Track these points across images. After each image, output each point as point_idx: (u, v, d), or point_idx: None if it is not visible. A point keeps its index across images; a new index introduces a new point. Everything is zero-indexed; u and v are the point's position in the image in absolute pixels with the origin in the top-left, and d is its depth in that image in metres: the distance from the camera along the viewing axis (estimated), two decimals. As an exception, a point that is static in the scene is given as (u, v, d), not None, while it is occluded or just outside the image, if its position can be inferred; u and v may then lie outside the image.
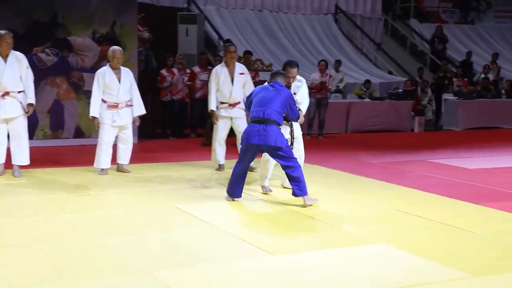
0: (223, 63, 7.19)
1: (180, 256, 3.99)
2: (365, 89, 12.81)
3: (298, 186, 5.32)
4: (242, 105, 7.23)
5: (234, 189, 5.51)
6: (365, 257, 4.05)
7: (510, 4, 18.16)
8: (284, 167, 5.36)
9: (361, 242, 4.37)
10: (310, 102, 10.96)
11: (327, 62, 11.44)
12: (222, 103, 7.17)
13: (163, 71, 10.72)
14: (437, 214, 5.22)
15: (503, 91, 14.05)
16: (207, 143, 9.66)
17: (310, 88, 11.01)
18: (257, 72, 10.50)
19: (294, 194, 5.38)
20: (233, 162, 7.47)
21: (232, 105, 7.13)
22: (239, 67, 7.22)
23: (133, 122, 6.99)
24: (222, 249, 4.18)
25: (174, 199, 5.68)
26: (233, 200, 5.51)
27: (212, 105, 7.08)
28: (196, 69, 10.86)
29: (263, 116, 5.28)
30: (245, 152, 5.45)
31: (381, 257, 4.05)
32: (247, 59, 9.88)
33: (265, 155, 5.83)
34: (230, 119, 7.18)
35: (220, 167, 7.31)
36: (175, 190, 6.10)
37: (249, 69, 7.46)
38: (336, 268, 3.81)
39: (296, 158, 5.40)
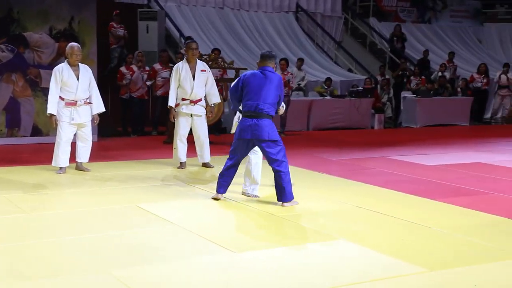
0: (184, 60, 7.16)
1: (140, 254, 3.94)
2: (326, 87, 12.93)
3: (284, 191, 5.26)
4: (203, 103, 7.21)
5: (219, 185, 5.40)
6: (324, 253, 4.08)
7: (464, 4, 18.62)
8: (274, 171, 5.23)
9: (320, 238, 4.40)
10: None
11: (288, 60, 11.48)
12: (183, 99, 7.13)
13: (123, 69, 10.62)
14: (395, 209, 5.30)
15: (458, 89, 14.39)
16: (169, 141, 9.59)
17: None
18: (225, 70, 10.48)
19: (280, 199, 5.27)
20: (195, 160, 7.51)
21: (194, 102, 7.11)
22: (201, 64, 7.21)
23: (92, 120, 6.88)
24: (183, 247, 4.15)
25: (134, 198, 5.62)
26: (218, 198, 5.42)
27: (171, 101, 7.05)
28: (157, 66, 10.76)
29: (255, 110, 5.14)
30: (237, 147, 5.30)
31: (340, 253, 4.09)
32: (215, 56, 9.88)
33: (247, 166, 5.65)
34: (191, 116, 7.15)
35: (182, 165, 7.27)
36: (135, 189, 6.04)
37: (212, 67, 7.44)
38: (295, 264, 3.82)
39: (286, 160, 5.26)
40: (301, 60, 13.02)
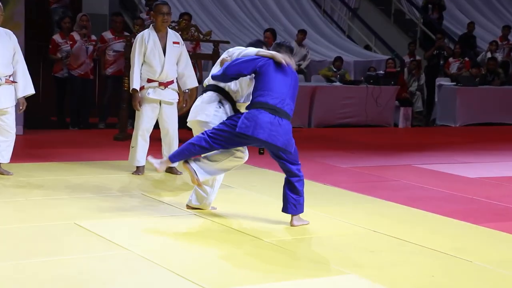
0: (151, 28, 7.14)
1: (79, 290, 3.94)
2: (335, 69, 13.00)
3: (296, 202, 5.37)
4: (175, 86, 7.20)
5: (178, 153, 5.47)
6: (329, 292, 4.10)
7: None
8: (288, 174, 5.39)
9: (324, 273, 4.42)
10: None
11: (275, 32, 11.48)
12: (149, 81, 7.12)
13: (56, 37, 10.57)
14: (424, 236, 5.34)
15: (514, 76, 14.51)
16: (121, 136, 9.60)
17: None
18: (198, 44, 10.49)
19: (286, 210, 5.40)
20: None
21: (164, 85, 7.10)
22: (173, 35, 7.22)
23: (17, 105, 6.86)
24: (138, 280, 4.15)
25: (72, 212, 5.60)
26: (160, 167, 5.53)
27: (135, 83, 7.01)
28: (108, 35, 10.77)
29: (280, 107, 5.25)
30: (233, 140, 5.28)
31: (350, 293, 4.11)
32: (186, 23, 9.86)
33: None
34: (159, 104, 7.14)
35: (139, 170, 7.28)
36: (74, 200, 6.03)
37: (182, 39, 7.46)
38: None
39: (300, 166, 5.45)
40: (302, 33, 13.08)
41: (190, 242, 5.01)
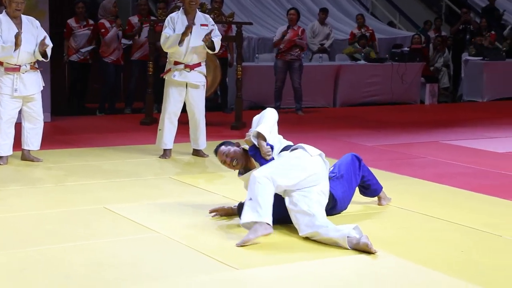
0: (181, 11, 7.18)
1: (113, 272, 3.98)
2: (360, 47, 12.90)
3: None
4: (203, 68, 7.21)
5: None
6: (357, 270, 4.11)
7: None
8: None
9: (352, 251, 4.43)
10: (277, 66, 11.17)
11: (298, 12, 11.44)
12: (176, 63, 7.14)
13: (71, 21, 10.55)
14: (452, 212, 5.32)
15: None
16: (147, 121, 9.66)
17: (277, 47, 11.11)
18: (230, 27, 10.47)
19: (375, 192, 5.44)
20: (185, 147, 7.54)
21: (190, 67, 7.12)
22: (202, 17, 7.22)
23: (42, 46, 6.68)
24: (168, 262, 4.19)
25: (101, 197, 5.66)
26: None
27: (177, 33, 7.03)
28: (134, 19, 10.78)
29: None
30: None
31: (378, 270, 4.12)
32: (218, 5, 9.92)
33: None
34: (186, 87, 7.16)
35: (166, 154, 7.31)
36: (103, 185, 6.09)
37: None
38: (316, 284, 3.86)
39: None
40: (324, 12, 13.00)
41: (218, 224, 5.04)
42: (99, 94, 10.86)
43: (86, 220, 5.03)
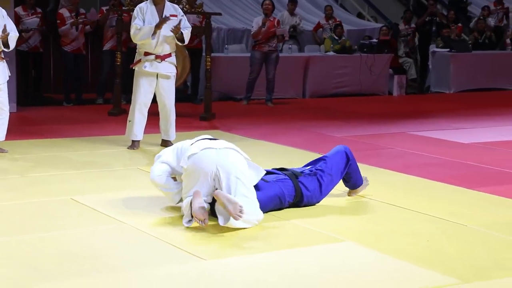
0: (150, 1, 7.13)
1: (78, 263, 3.95)
2: (336, 37, 12.86)
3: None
4: (173, 59, 7.18)
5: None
6: (324, 259, 4.13)
7: None
8: None
9: (320, 241, 4.45)
10: (254, 57, 11.16)
11: (273, 2, 11.45)
12: (146, 54, 7.11)
13: (19, 9, 10.43)
14: (419, 202, 5.37)
15: (508, 41, 14.44)
16: (115, 112, 9.59)
17: (256, 39, 11.09)
18: (205, 17, 10.38)
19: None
20: (154, 138, 7.49)
21: (161, 58, 7.08)
22: (171, 7, 7.18)
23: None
24: (135, 253, 4.17)
25: (68, 188, 5.61)
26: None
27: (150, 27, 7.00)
28: (65, 13, 10.70)
29: None
30: None
31: (345, 259, 4.14)
32: None
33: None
34: (156, 78, 7.12)
35: (134, 145, 7.28)
36: (69, 176, 6.05)
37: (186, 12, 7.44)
38: (284, 275, 3.87)
39: None
40: (294, 3, 12.98)
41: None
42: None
43: (53, 212, 4.99)
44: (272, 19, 11.05)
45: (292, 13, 12.90)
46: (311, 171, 5.24)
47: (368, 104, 11.61)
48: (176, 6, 7.40)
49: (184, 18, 7.24)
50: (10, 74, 6.95)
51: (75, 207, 5.10)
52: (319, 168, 5.23)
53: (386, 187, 5.86)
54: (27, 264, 3.94)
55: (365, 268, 4.02)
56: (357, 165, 5.42)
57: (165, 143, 7.36)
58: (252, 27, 11.27)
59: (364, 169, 6.46)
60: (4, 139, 6.93)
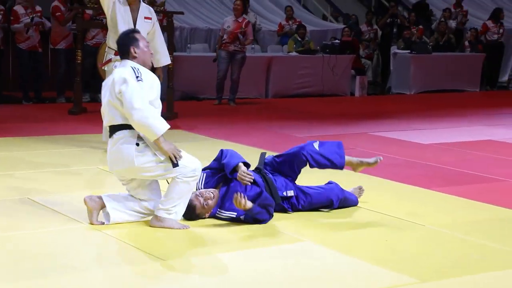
0: (124, 1, 6.84)
1: (34, 263, 3.90)
2: (300, 39, 12.88)
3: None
4: None
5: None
6: (283, 259, 4.12)
7: None
8: None
9: (279, 241, 4.44)
10: (220, 57, 11.13)
11: (244, 2, 11.42)
12: (116, 53, 6.91)
13: (18, 8, 10.33)
14: (378, 202, 5.39)
15: (466, 43, 14.63)
16: (76, 110, 9.47)
17: (222, 38, 11.05)
18: (164, 16, 10.29)
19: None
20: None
21: None
22: (146, 9, 6.98)
23: None
24: (92, 253, 4.12)
25: (25, 187, 5.54)
26: None
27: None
28: (57, 3, 10.58)
29: None
30: None
31: (304, 259, 4.14)
32: None
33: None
34: None
35: None
36: (27, 175, 5.96)
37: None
38: (241, 275, 3.85)
39: None
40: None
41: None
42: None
43: (9, 211, 4.91)
44: (240, 20, 11.01)
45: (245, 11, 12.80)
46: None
47: (330, 105, 11.66)
48: (151, 9, 7.16)
49: (157, 22, 7.10)
50: None
51: (33, 207, 5.02)
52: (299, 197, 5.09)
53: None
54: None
55: (324, 268, 4.02)
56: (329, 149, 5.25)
57: None
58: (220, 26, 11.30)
59: (323, 170, 6.48)
60: None
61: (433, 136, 8.59)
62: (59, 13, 10.46)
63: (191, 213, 4.70)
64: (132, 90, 4.43)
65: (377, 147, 7.76)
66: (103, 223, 4.59)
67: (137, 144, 4.49)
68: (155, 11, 9.62)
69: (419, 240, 4.57)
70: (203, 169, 4.84)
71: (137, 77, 4.48)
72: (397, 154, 7.38)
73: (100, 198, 4.62)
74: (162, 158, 4.45)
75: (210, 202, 4.75)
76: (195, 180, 4.58)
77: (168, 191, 4.53)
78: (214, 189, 4.85)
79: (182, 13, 10.80)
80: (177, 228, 4.53)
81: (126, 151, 4.48)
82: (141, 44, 4.65)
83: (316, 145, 5.19)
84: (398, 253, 4.30)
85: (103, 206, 4.61)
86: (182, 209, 4.57)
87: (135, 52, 4.61)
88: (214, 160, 5.08)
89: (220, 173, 4.99)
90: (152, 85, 4.61)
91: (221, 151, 5.09)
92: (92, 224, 4.56)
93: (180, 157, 4.45)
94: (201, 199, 4.74)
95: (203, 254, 4.19)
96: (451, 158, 7.24)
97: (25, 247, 4.19)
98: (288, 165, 5.19)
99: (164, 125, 4.46)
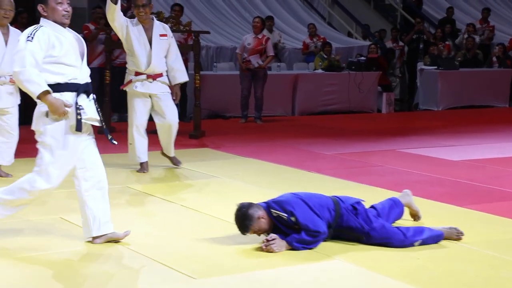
0: (136, 20, 6.93)
1: (67, 282, 3.92)
2: (325, 56, 12.91)
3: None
4: (164, 79, 7.00)
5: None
6: (312, 277, 4.12)
7: None
8: None
9: (310, 259, 4.43)
10: (243, 75, 11.20)
11: (263, 20, 11.52)
12: (137, 74, 6.92)
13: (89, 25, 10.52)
14: (410, 220, 5.36)
15: (494, 59, 14.56)
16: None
17: (242, 56, 11.13)
18: (190, 35, 10.40)
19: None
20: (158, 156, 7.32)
21: (152, 77, 6.91)
22: (160, 26, 7.02)
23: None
24: (126, 273, 4.14)
25: (57, 206, 5.58)
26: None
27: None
28: (88, 24, 10.75)
29: None
30: None
31: (336, 278, 4.13)
32: (177, 14, 9.97)
33: None
34: (150, 97, 6.99)
35: (143, 167, 7.06)
36: (59, 195, 5.99)
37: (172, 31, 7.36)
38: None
39: None
40: (270, 20, 13.07)
41: (174, 234, 5.00)
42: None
43: (41, 231, 4.95)
44: (260, 37, 11.09)
45: (270, 29, 12.91)
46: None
47: (357, 122, 11.64)
48: (166, 26, 7.24)
49: (173, 39, 7.16)
50: (20, 98, 6.69)
51: (64, 226, 5.05)
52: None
53: (371, 202, 5.85)
54: (15, 283, 3.90)
55: (356, 286, 4.00)
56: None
57: (165, 155, 7.24)
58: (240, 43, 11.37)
59: (354, 187, 6.48)
60: (10, 164, 6.71)
61: (463, 153, 8.53)
62: (87, 31, 10.59)
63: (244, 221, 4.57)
64: (16, 51, 4.43)
65: (407, 164, 7.72)
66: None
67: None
68: (181, 31, 9.79)
69: (450, 258, 4.54)
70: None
71: (28, 36, 4.42)
72: (427, 171, 7.34)
73: None
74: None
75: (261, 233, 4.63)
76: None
77: None
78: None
79: (208, 32, 10.89)
80: None
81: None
82: (51, 1, 4.51)
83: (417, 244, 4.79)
84: (430, 271, 4.27)
85: None
86: None
87: (43, 10, 4.52)
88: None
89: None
90: (49, 44, 4.43)
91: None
92: None
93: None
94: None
95: (235, 272, 4.19)
96: (483, 175, 7.18)
97: (56, 267, 4.21)
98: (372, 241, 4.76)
99: (36, 88, 4.33)
